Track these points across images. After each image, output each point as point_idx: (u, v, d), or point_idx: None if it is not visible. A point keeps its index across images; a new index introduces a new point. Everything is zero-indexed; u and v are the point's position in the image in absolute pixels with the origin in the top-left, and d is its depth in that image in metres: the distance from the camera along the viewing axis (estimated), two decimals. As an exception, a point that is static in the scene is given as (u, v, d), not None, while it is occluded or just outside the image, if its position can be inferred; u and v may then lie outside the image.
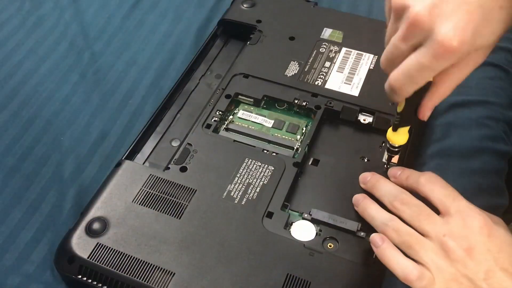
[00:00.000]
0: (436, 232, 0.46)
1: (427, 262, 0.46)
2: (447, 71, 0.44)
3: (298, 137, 0.60)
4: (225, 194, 0.54)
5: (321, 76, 0.65)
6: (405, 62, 0.43)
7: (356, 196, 0.54)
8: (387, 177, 0.54)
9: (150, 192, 0.54)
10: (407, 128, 0.51)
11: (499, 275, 0.44)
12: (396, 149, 0.54)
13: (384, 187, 0.52)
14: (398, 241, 0.47)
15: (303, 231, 0.52)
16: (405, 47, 0.42)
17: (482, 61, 0.44)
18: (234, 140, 0.59)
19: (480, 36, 0.41)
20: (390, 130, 0.52)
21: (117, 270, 0.49)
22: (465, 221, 0.46)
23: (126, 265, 0.49)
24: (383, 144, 0.60)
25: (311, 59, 0.67)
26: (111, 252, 0.50)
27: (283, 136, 0.61)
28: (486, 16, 0.40)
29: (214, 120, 0.61)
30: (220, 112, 0.62)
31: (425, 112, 0.48)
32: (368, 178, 0.54)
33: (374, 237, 0.48)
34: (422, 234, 0.47)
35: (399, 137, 0.51)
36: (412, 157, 0.60)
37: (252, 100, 0.64)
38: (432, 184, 0.49)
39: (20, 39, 0.76)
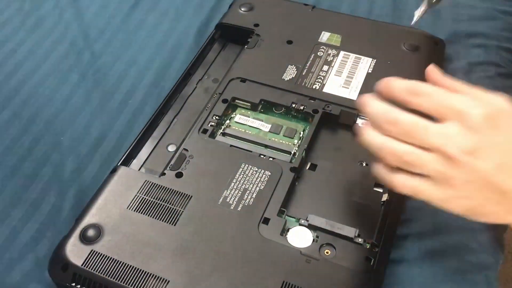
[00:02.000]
0: (434, 143, 0.41)
1: (434, 176, 0.42)
2: None
3: (296, 141, 0.58)
4: (221, 200, 0.52)
5: (319, 80, 0.63)
6: None
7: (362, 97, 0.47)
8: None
9: (145, 198, 0.52)
10: None
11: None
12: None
13: (371, 109, 0.45)
14: (398, 163, 0.43)
15: (300, 237, 0.50)
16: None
17: None
18: (231, 145, 0.57)
19: None
20: None
21: (111, 277, 0.46)
22: (464, 120, 0.41)
23: (120, 273, 0.47)
24: None
25: (309, 63, 0.65)
26: (105, 260, 0.47)
27: (281, 141, 0.58)
28: None
29: (211, 125, 0.59)
30: (217, 117, 0.59)
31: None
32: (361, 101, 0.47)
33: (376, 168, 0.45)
34: (422, 148, 0.42)
35: None
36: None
37: (249, 104, 0.61)
38: (418, 96, 0.43)
39: (20, 39, 0.75)
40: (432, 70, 0.48)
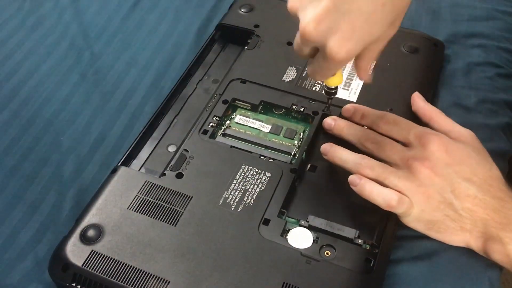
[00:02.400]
0: (402, 159, 0.50)
1: (402, 188, 0.49)
2: (364, 51, 0.45)
3: (296, 142, 0.58)
4: (221, 201, 0.52)
5: (319, 82, 0.62)
6: (312, 64, 0.47)
7: (324, 146, 0.55)
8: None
9: (145, 199, 0.51)
10: (340, 70, 0.51)
11: (464, 185, 0.49)
12: (333, 90, 0.54)
13: (351, 129, 0.56)
14: (373, 175, 0.50)
15: (300, 238, 0.50)
16: (306, 48, 0.45)
17: (394, 33, 0.45)
18: (231, 146, 0.57)
19: (370, 35, 0.42)
20: None
21: (111, 278, 0.46)
22: (424, 144, 0.50)
23: (121, 273, 0.47)
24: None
25: (309, 64, 0.64)
26: (105, 260, 0.47)
27: (281, 142, 0.58)
28: (369, 19, 0.41)
29: (211, 126, 0.59)
30: (217, 118, 0.59)
31: (363, 77, 0.50)
32: (333, 124, 0.57)
33: (351, 177, 0.51)
34: (391, 165, 0.51)
35: (334, 79, 0.52)
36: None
37: (249, 105, 0.61)
38: (388, 124, 0.54)
39: (20, 39, 0.74)
40: (417, 96, 0.59)
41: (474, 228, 0.49)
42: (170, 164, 0.55)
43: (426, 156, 0.50)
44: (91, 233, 0.49)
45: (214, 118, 0.59)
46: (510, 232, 0.48)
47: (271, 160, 0.56)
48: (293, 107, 0.60)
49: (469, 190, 0.49)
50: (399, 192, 0.49)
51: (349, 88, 0.62)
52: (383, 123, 0.55)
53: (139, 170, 0.56)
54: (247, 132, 0.59)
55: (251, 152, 0.56)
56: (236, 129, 0.59)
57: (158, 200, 0.51)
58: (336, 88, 0.54)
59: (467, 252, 0.51)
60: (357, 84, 0.62)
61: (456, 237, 0.50)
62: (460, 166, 0.50)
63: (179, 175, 0.54)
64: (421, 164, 0.49)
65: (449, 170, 0.49)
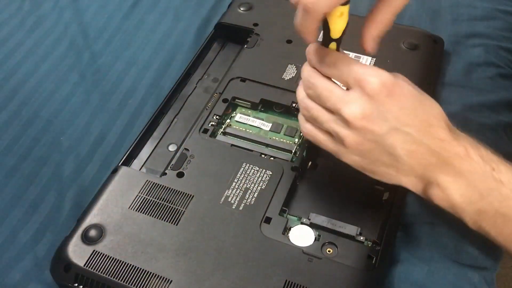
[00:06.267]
0: (334, 106, 0.45)
1: (332, 133, 0.46)
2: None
3: (296, 140, 0.57)
4: (222, 199, 0.51)
5: (319, 79, 0.62)
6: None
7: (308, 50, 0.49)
8: None
9: (146, 198, 0.51)
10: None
11: (402, 130, 0.43)
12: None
13: (302, 73, 0.49)
14: (308, 116, 0.48)
15: (302, 236, 0.49)
16: None
17: None
18: (232, 145, 0.57)
19: None
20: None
21: (113, 278, 0.46)
22: (363, 87, 0.43)
23: (122, 273, 0.46)
24: None
25: (309, 62, 0.64)
26: (107, 260, 0.47)
27: (281, 140, 0.58)
28: None
29: (211, 125, 0.58)
30: (217, 117, 0.59)
31: (368, 43, 0.46)
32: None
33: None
34: (328, 110, 0.46)
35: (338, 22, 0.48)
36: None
37: (249, 103, 0.61)
38: (330, 66, 0.47)
39: (20, 39, 0.74)
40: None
41: (412, 173, 0.45)
42: (171, 164, 0.55)
43: (362, 102, 0.44)
44: (92, 233, 0.49)
45: (214, 117, 0.59)
46: (448, 175, 0.44)
47: (272, 158, 0.55)
48: (293, 105, 0.60)
49: (407, 136, 0.44)
50: (330, 132, 0.46)
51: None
52: (325, 66, 0.47)
53: (139, 169, 0.56)
54: (247, 130, 0.59)
55: (252, 151, 0.56)
56: (237, 127, 0.59)
57: (159, 200, 0.51)
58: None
59: (465, 253, 0.51)
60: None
61: (396, 180, 0.47)
62: (401, 111, 0.43)
63: (180, 174, 0.53)
64: (356, 112, 0.44)
65: (388, 116, 0.43)
